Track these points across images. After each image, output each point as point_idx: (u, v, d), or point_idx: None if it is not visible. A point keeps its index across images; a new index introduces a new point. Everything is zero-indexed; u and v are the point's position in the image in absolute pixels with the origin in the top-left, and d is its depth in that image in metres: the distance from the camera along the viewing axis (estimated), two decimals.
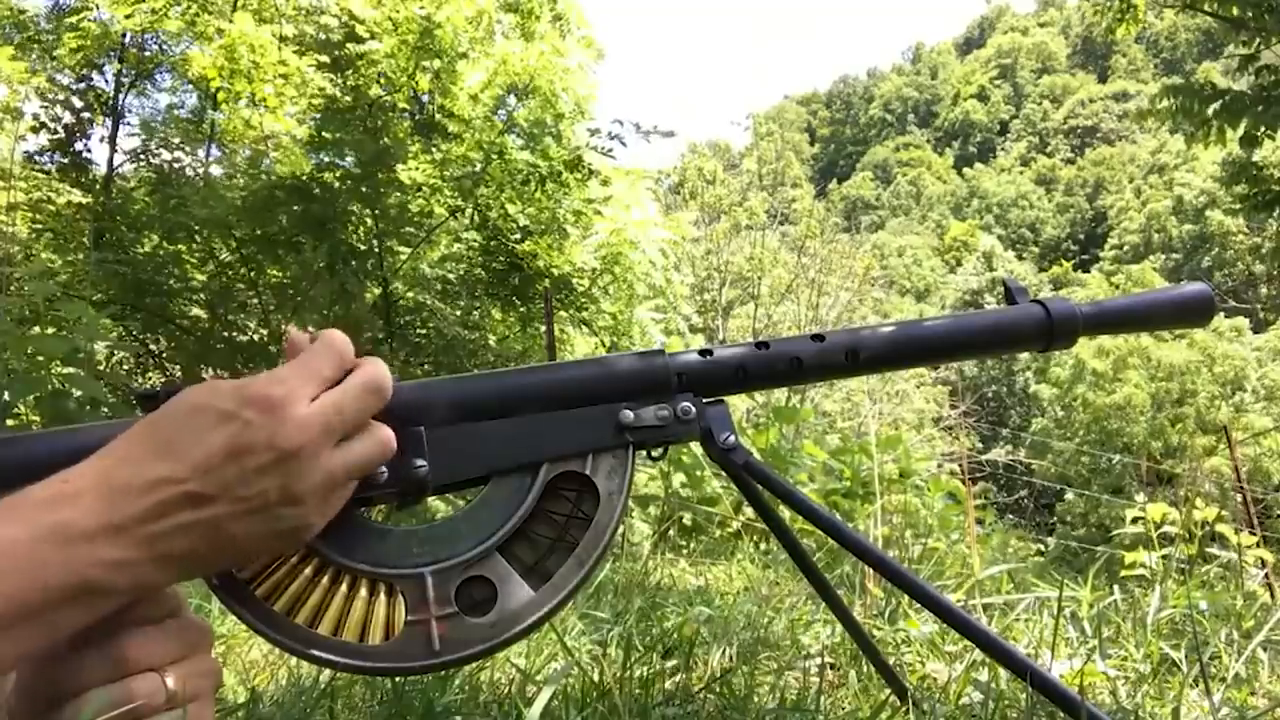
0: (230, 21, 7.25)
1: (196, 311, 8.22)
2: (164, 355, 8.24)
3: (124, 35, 8.46)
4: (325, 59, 7.48)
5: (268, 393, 0.61)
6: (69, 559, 0.55)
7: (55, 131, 8.45)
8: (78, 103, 8.61)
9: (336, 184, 7.26)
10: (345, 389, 0.65)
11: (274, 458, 0.60)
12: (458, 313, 8.08)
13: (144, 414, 0.63)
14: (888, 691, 0.99)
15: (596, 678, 1.03)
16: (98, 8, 7.86)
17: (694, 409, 0.76)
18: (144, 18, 7.60)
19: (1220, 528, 3.79)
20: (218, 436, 0.60)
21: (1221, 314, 35.39)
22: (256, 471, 0.60)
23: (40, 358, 3.37)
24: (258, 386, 0.62)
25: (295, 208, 7.14)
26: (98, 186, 8.63)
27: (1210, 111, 8.20)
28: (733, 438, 0.76)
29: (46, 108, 8.35)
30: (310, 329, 0.71)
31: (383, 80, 7.65)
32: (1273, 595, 3.33)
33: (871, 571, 1.51)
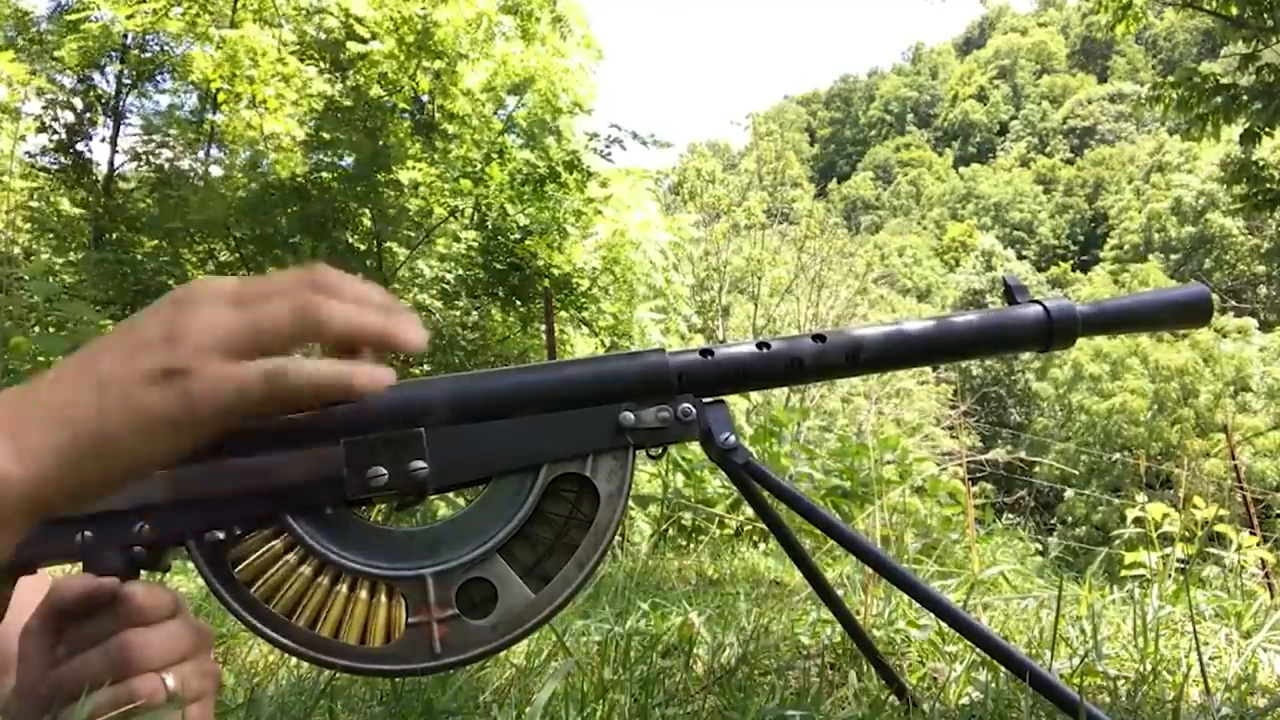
0: (231, 25, 7.25)
1: None
2: None
3: (125, 36, 8.45)
4: (325, 61, 7.48)
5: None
6: None
7: (56, 132, 8.46)
8: (79, 104, 8.61)
9: (335, 184, 7.27)
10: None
11: (164, 307, 0.57)
12: (457, 313, 8.07)
13: None
14: (888, 691, 0.99)
15: (596, 678, 1.03)
16: (99, 8, 7.85)
17: (694, 410, 0.75)
18: (145, 18, 7.59)
19: (1220, 528, 3.79)
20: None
21: (1230, 314, 35.40)
22: (145, 317, 0.57)
23: (40, 358, 3.37)
24: None
25: (293, 209, 7.14)
26: (98, 187, 8.63)
27: (1207, 106, 8.19)
28: (733, 438, 0.76)
29: (48, 109, 8.35)
30: None
31: (383, 81, 7.65)
32: (1272, 595, 3.33)
33: (871, 571, 1.51)
